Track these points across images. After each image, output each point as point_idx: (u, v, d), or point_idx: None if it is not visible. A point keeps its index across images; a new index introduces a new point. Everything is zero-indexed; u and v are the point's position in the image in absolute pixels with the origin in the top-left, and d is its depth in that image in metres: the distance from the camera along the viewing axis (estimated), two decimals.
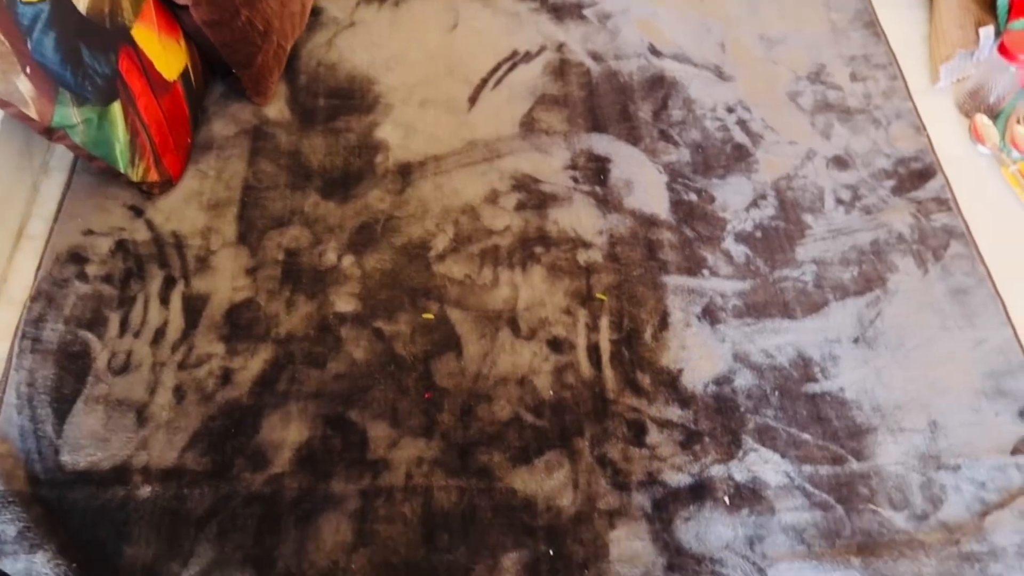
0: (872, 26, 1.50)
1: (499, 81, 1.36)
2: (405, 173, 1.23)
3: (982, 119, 1.36)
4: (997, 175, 1.31)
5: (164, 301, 1.07)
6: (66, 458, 0.94)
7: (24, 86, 0.96)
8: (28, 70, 0.96)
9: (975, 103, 1.39)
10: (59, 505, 0.91)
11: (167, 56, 1.16)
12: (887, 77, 1.42)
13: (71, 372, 1.00)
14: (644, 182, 1.25)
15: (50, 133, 1.01)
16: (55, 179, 1.18)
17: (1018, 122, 1.36)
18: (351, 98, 1.31)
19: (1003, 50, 1.32)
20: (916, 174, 1.29)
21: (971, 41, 1.44)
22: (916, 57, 1.48)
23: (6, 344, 1.02)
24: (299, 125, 1.27)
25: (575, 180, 1.24)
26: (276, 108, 1.29)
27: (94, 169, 1.16)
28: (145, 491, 0.92)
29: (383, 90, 1.33)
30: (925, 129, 1.35)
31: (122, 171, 1.10)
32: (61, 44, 0.99)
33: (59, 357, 1.01)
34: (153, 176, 1.14)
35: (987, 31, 1.44)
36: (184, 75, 1.19)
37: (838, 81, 1.41)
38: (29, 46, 0.95)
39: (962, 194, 1.27)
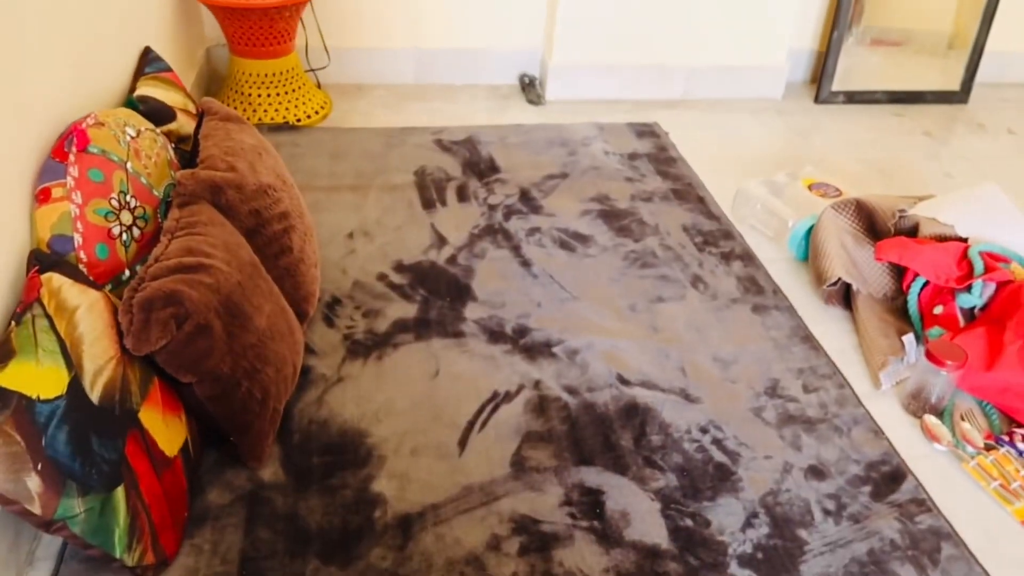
0: (809, 340, 1.68)
1: (484, 423, 1.42)
2: (405, 526, 1.23)
3: (931, 419, 1.48)
4: (961, 470, 1.40)
5: None
6: None
7: (33, 483, 0.96)
8: (39, 467, 0.97)
9: (919, 404, 1.52)
10: None
11: (169, 433, 1.19)
12: (835, 386, 1.56)
13: None
14: (639, 511, 1.27)
15: (49, 526, 0.99)
16: (41, 570, 1.13)
17: (962, 419, 1.48)
18: (344, 453, 1.34)
19: (930, 357, 1.48)
20: (888, 477, 1.36)
21: (898, 348, 1.62)
22: (855, 364, 1.64)
23: None
24: (295, 486, 1.28)
25: (573, 516, 1.26)
26: (271, 470, 1.30)
27: (85, 555, 1.12)
28: None
29: (375, 442, 1.37)
30: (883, 432, 1.46)
31: (118, 556, 1.06)
32: (73, 437, 1.02)
33: None
34: (149, 558, 1.10)
35: (909, 338, 1.63)
36: (184, 449, 1.22)
37: (793, 393, 1.54)
38: (43, 443, 0.98)
39: (936, 493, 1.34)
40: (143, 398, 1.15)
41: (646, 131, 2.51)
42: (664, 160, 2.34)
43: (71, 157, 1.26)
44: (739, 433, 1.44)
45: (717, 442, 1.42)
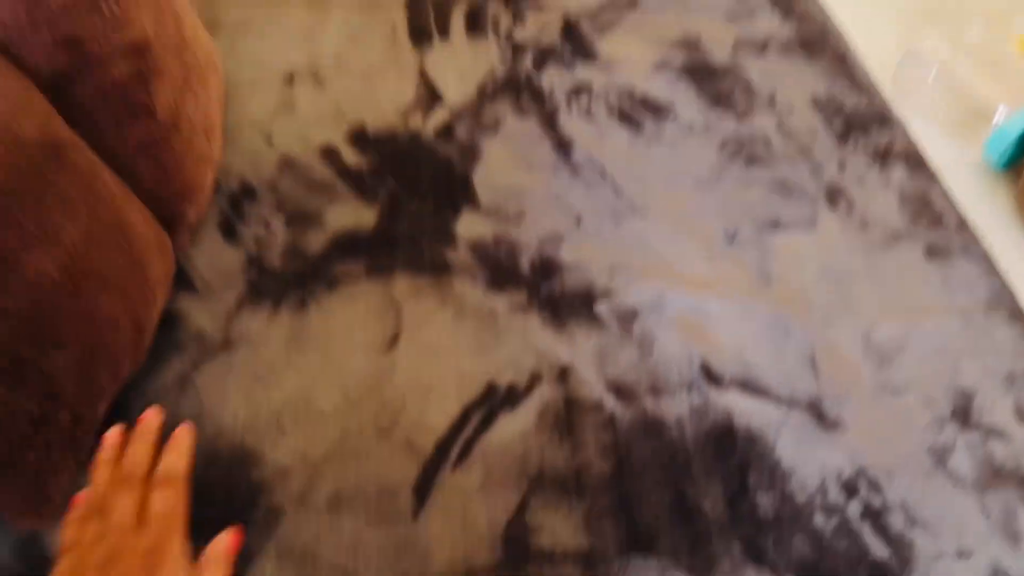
0: (1019, 317, 1.01)
1: (466, 450, 0.81)
2: None
3: None
4: None
5: None
6: None
7: None
8: None
9: None
10: None
11: None
12: None
13: None
14: None
15: None
16: None
17: None
18: (210, 499, 0.75)
19: None
20: None
21: None
22: None
23: None
24: None
25: None
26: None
27: None
28: None
29: (268, 477, 0.77)
30: None
31: None
32: None
33: None
34: None
35: None
36: None
37: (1000, 422, 0.90)
38: None
39: None
40: None
41: None
42: None
43: None
44: (911, 499, 0.82)
45: (873, 515, 0.80)
